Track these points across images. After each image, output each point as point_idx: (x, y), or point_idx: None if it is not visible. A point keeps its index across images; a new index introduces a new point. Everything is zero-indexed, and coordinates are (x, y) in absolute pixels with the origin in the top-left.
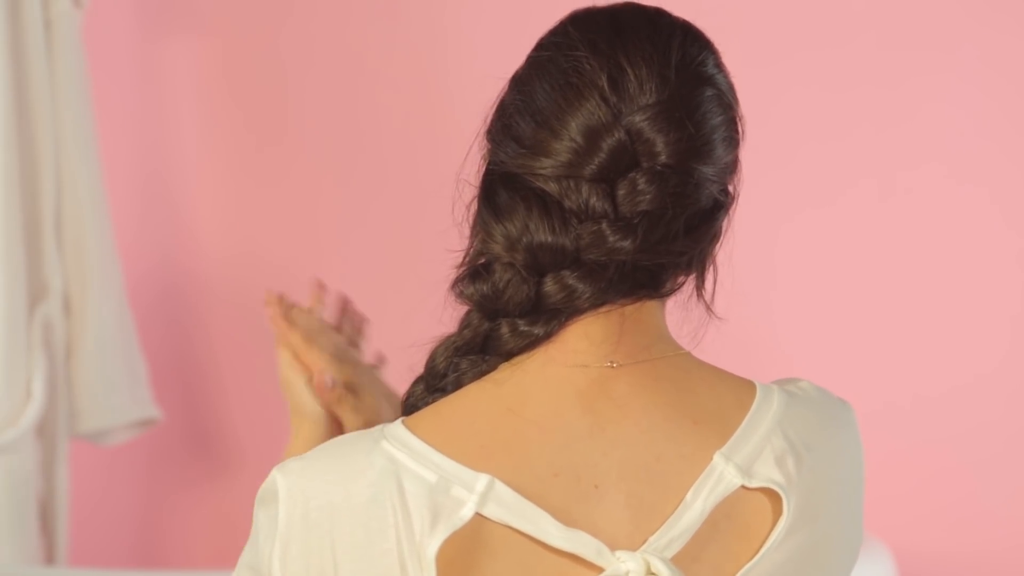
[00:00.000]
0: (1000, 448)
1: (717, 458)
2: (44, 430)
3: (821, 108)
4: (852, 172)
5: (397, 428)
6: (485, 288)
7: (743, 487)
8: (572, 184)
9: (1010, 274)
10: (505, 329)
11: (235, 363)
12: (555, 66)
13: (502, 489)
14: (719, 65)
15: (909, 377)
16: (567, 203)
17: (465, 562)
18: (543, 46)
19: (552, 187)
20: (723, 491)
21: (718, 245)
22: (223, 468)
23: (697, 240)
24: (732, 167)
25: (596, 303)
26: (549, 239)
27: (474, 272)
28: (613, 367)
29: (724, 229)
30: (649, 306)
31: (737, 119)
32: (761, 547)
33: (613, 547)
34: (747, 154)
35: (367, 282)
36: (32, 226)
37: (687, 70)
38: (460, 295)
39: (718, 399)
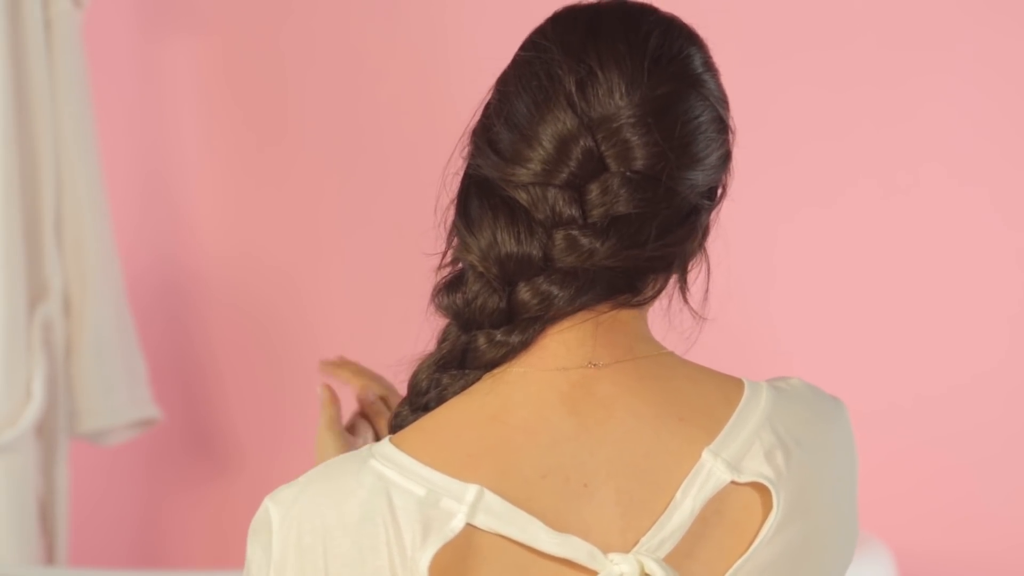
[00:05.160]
0: (1000, 448)
1: (706, 454)
2: (44, 430)
3: (821, 108)
4: (852, 172)
5: (384, 446)
6: (459, 300)
7: (733, 483)
8: (541, 192)
9: (1010, 274)
10: (482, 340)
11: (235, 363)
12: (530, 69)
13: (491, 498)
14: (707, 62)
15: (909, 377)
16: (536, 212)
17: (459, 572)
18: (525, 46)
19: (522, 196)
20: (713, 487)
21: (701, 243)
22: (223, 468)
23: (673, 243)
24: (719, 166)
25: (572, 308)
26: (515, 249)
27: (450, 283)
28: (594, 367)
29: (709, 226)
30: (626, 312)
31: (725, 117)
32: (752, 542)
33: (605, 546)
34: (747, 153)
35: (367, 281)
36: (32, 226)
37: (664, 70)
38: (438, 307)
39: (704, 396)
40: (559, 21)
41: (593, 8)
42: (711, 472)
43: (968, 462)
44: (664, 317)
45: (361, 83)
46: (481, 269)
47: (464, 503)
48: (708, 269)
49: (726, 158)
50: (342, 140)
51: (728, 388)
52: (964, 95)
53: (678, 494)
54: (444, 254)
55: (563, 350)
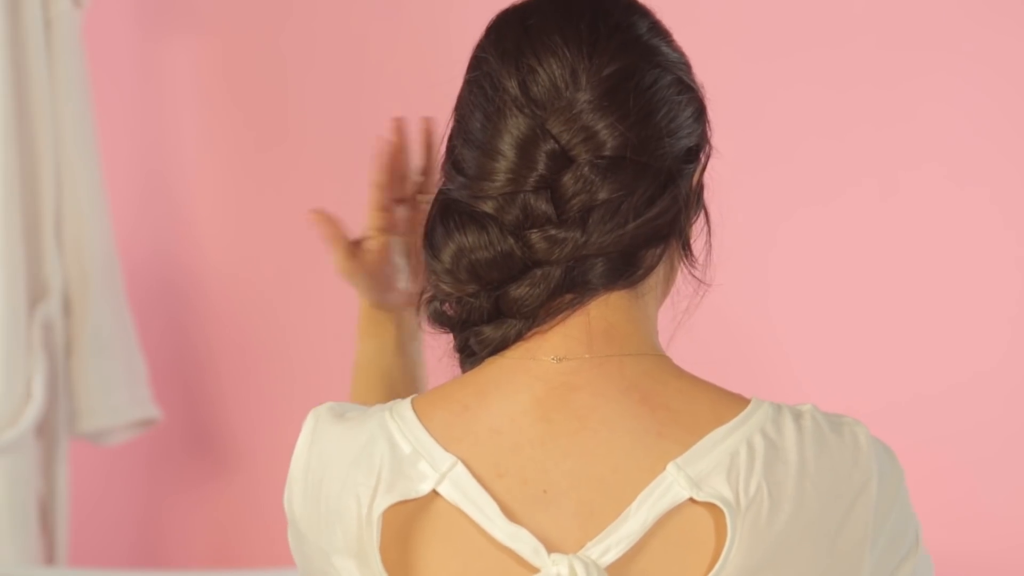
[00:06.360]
0: (1000, 447)
1: (670, 468)
2: (44, 430)
3: (821, 107)
4: (851, 171)
5: (403, 402)
6: (444, 318)
7: (692, 500)
8: (510, 199)
9: (1009, 274)
10: (473, 340)
11: (235, 363)
12: (477, 85)
13: (462, 472)
14: (653, 27)
15: (909, 376)
16: (505, 216)
17: (410, 532)
18: (469, 66)
19: (490, 206)
20: (670, 502)
21: (695, 205)
22: (223, 468)
23: (656, 216)
24: (691, 126)
25: (554, 305)
26: (487, 254)
27: (431, 299)
28: (577, 374)
29: (701, 185)
30: (617, 302)
31: (685, 78)
32: (714, 564)
33: (555, 549)
34: (747, 151)
35: None
36: (32, 226)
37: (606, 49)
38: (428, 319)
39: (693, 413)
40: (492, 30)
41: (522, 8)
42: (670, 486)
43: (968, 461)
44: (669, 311)
45: (362, 83)
46: (451, 288)
47: (438, 471)
48: (709, 229)
49: (698, 116)
50: (341, 140)
51: (723, 406)
52: (964, 95)
53: (633, 504)
54: (422, 292)
55: (548, 345)
